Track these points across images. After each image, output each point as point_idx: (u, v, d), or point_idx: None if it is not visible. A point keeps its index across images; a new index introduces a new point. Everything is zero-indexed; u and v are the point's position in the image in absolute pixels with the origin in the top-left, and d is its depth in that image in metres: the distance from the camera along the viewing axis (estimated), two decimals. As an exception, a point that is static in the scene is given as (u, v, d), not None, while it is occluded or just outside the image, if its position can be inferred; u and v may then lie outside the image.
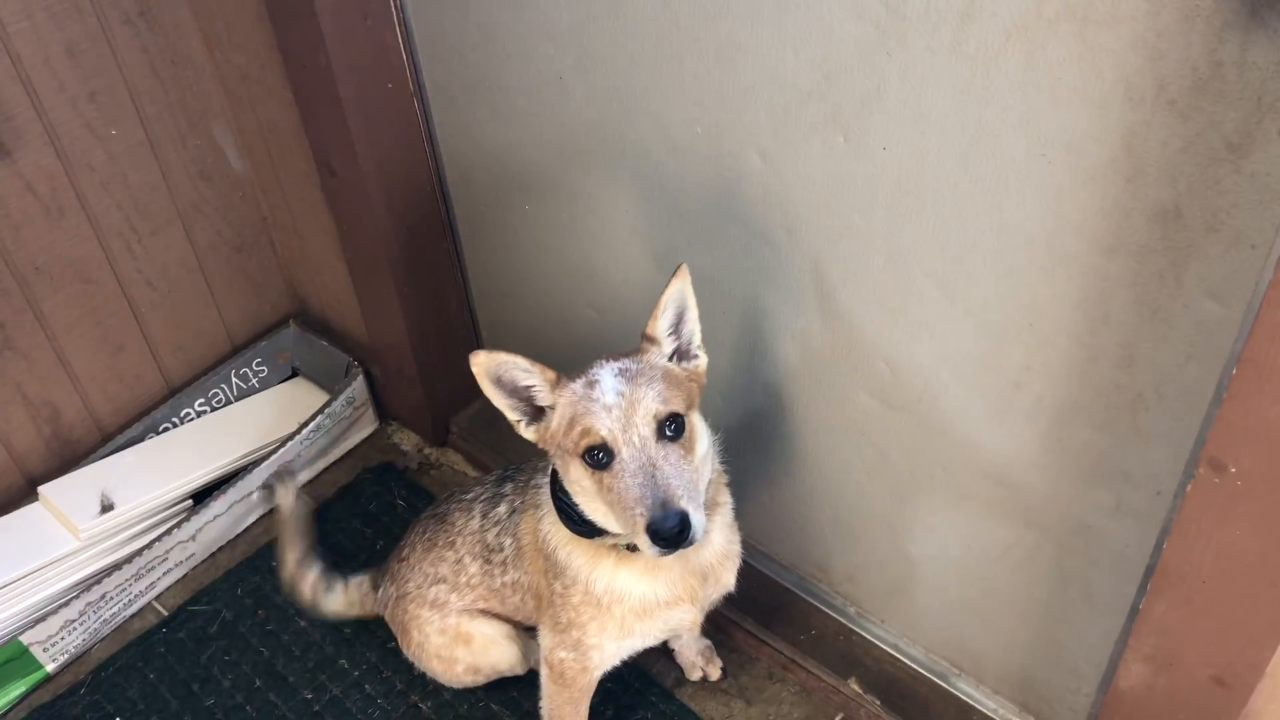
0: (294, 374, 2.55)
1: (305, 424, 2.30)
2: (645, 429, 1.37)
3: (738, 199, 1.59)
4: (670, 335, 1.48)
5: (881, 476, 1.72)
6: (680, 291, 1.46)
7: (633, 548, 1.50)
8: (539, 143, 1.83)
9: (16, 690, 2.02)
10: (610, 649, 1.62)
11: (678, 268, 1.45)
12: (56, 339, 2.13)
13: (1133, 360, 1.30)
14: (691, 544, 1.35)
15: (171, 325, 2.33)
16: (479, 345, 2.36)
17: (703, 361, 1.52)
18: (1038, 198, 1.26)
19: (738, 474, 1.92)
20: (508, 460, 2.34)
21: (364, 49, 1.83)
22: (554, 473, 1.54)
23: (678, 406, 1.40)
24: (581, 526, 1.51)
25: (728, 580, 1.65)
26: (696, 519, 1.34)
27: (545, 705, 1.75)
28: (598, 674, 1.68)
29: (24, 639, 2.00)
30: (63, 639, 2.05)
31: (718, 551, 1.60)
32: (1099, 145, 1.17)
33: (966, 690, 1.86)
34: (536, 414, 1.48)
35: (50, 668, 2.05)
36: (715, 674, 1.96)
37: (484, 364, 1.42)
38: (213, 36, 2.07)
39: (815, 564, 1.98)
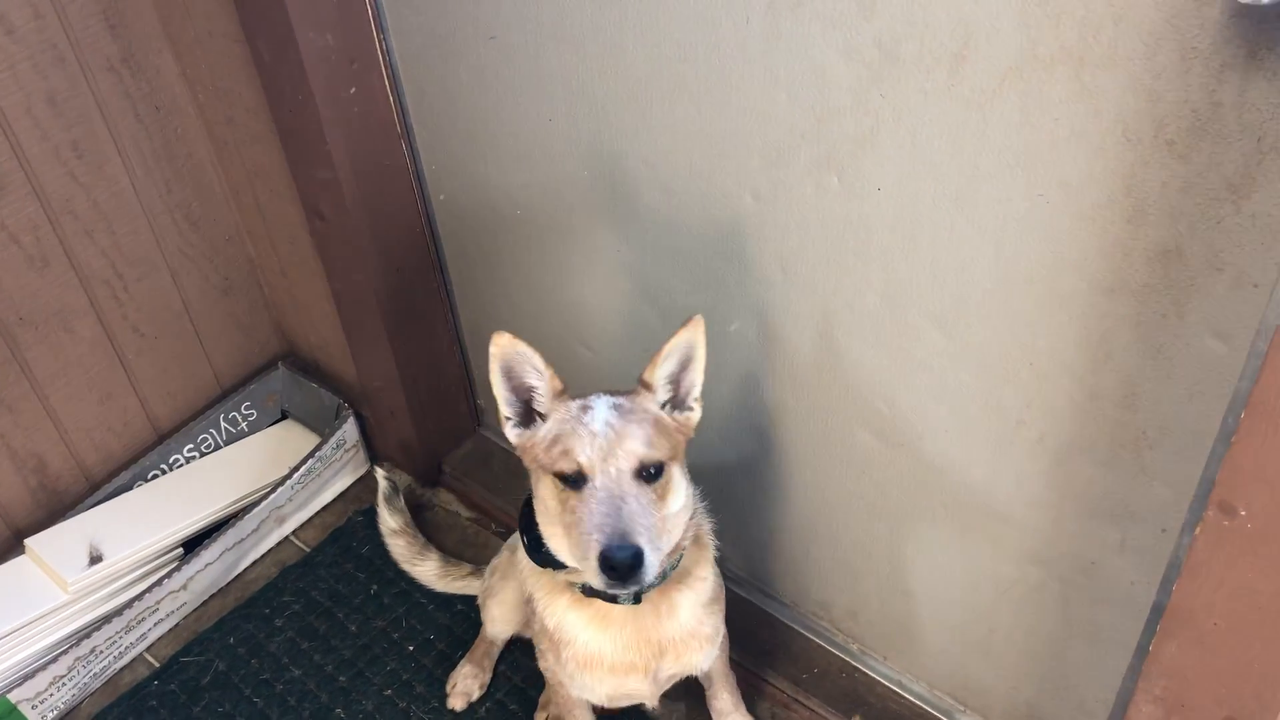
0: (283, 416, 2.52)
1: (296, 468, 2.27)
2: (625, 464, 1.35)
3: (731, 238, 1.58)
4: (667, 384, 1.46)
5: (882, 513, 1.70)
6: (687, 341, 1.42)
7: (587, 590, 1.48)
8: (529, 184, 1.81)
9: (5, 749, 1.98)
10: (572, 684, 1.62)
11: (690, 318, 1.41)
12: (42, 389, 2.10)
13: (1135, 398, 1.29)
14: (639, 585, 1.33)
15: (159, 371, 2.30)
16: (470, 385, 2.35)
17: (696, 415, 1.48)
18: (1036, 238, 1.25)
19: (736, 512, 1.90)
20: (502, 500, 2.32)
21: (351, 93, 1.82)
22: (528, 499, 1.51)
23: (661, 454, 1.38)
24: (537, 554, 1.49)
25: (692, 661, 1.59)
26: (651, 559, 1.31)
27: None
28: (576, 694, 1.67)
29: (12, 697, 1.95)
30: (52, 695, 2.01)
31: (682, 628, 1.54)
32: (1098, 186, 1.17)
33: (972, 727, 1.84)
34: (527, 418, 1.46)
35: (40, 725, 2.02)
36: None
37: (504, 347, 1.40)
38: (197, 82, 2.05)
39: (816, 601, 1.96)
